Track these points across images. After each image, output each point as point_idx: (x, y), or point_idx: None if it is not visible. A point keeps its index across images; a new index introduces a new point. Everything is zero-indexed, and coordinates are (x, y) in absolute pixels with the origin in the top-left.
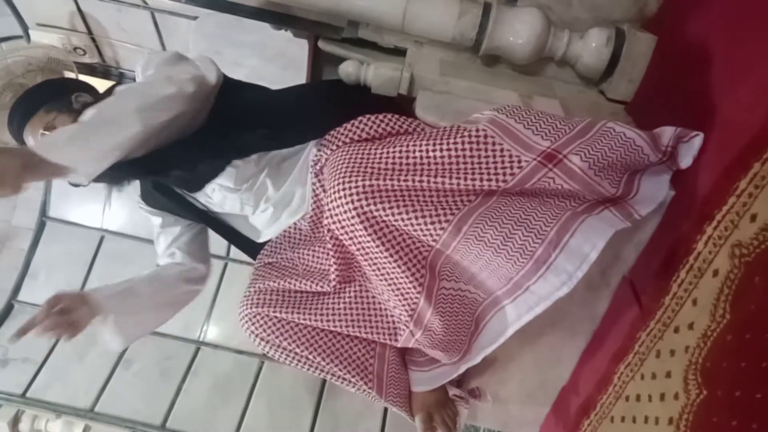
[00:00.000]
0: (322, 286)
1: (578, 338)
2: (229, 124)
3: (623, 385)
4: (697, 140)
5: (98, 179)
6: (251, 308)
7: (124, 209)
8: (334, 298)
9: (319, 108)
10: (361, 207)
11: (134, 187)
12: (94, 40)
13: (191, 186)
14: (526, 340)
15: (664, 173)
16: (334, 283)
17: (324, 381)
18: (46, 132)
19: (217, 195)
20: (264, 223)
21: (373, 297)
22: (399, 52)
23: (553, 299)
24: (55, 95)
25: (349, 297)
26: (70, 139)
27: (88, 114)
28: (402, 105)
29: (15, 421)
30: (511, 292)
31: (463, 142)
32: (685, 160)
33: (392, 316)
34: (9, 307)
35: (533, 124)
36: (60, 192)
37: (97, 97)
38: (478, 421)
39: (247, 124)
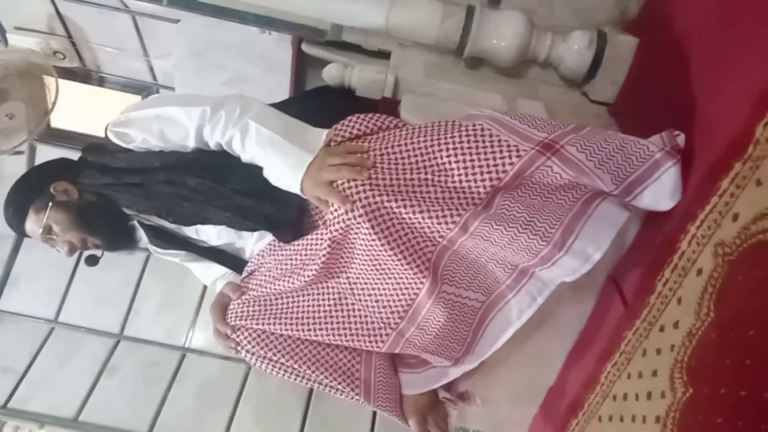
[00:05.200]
0: (293, 282)
1: (565, 338)
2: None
3: (610, 385)
4: (671, 173)
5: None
6: (236, 321)
7: None
8: (314, 306)
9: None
10: (367, 199)
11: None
12: (73, 43)
13: (184, 221)
14: (513, 341)
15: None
16: (310, 277)
17: None
18: (48, 234)
19: (212, 230)
20: (253, 242)
21: (353, 304)
22: (383, 55)
23: (557, 283)
24: (35, 193)
25: (328, 305)
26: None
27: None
28: (387, 108)
29: None
30: (516, 282)
31: (460, 136)
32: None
33: (373, 323)
34: None
35: (529, 120)
36: None
37: (71, 175)
38: (467, 423)
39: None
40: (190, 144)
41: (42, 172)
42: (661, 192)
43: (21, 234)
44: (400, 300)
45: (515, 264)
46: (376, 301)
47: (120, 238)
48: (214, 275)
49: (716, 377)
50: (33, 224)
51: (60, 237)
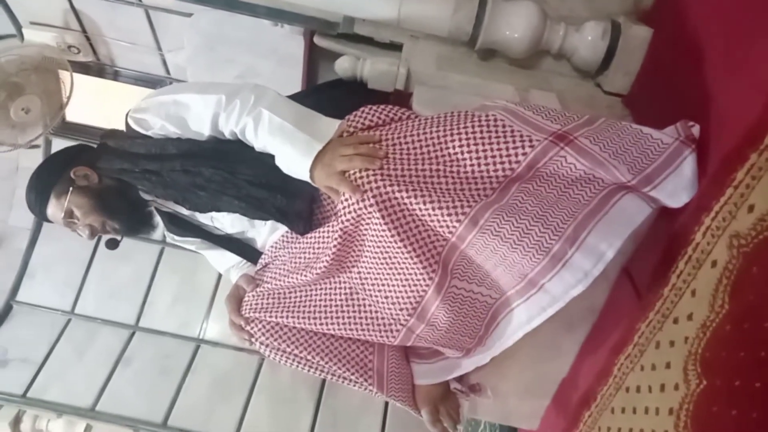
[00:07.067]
0: (306, 275)
1: (577, 331)
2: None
3: (623, 377)
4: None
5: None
6: (250, 313)
7: None
8: (326, 300)
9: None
10: (378, 189)
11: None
12: (88, 38)
13: (201, 208)
14: (525, 334)
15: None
16: (322, 269)
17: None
18: (69, 218)
19: (226, 217)
20: (266, 233)
21: (363, 299)
22: (395, 47)
23: (567, 299)
24: (55, 178)
25: (340, 300)
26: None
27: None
28: (399, 100)
29: (16, 422)
30: (525, 291)
31: (473, 126)
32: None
33: (383, 318)
34: (8, 308)
35: (542, 111)
36: None
37: (91, 160)
38: (479, 415)
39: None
40: (206, 132)
41: (62, 158)
42: (680, 182)
43: (43, 219)
44: (408, 296)
45: (524, 273)
46: (386, 297)
47: (138, 223)
48: (227, 263)
49: (730, 369)
50: (54, 209)
51: (81, 221)
